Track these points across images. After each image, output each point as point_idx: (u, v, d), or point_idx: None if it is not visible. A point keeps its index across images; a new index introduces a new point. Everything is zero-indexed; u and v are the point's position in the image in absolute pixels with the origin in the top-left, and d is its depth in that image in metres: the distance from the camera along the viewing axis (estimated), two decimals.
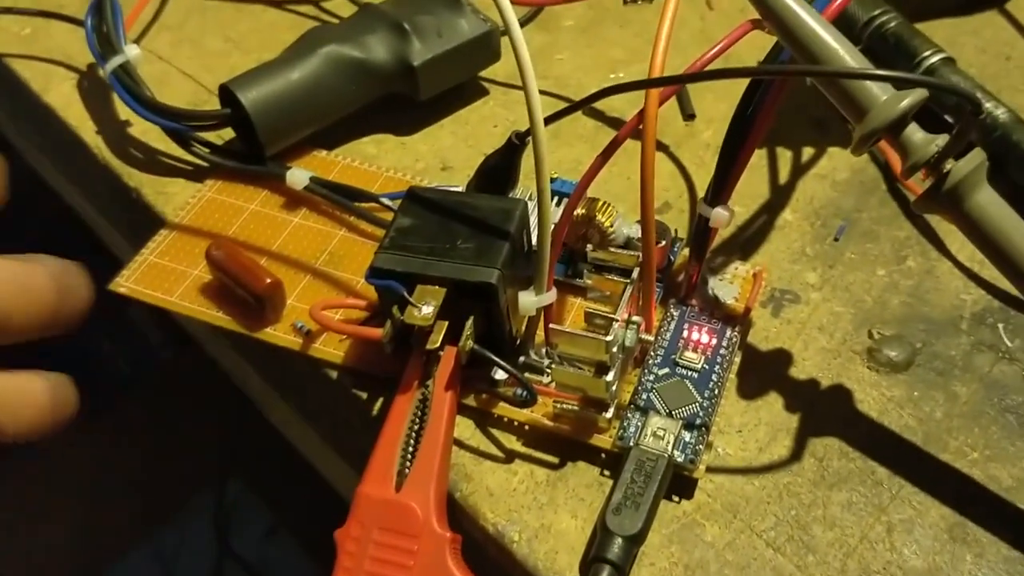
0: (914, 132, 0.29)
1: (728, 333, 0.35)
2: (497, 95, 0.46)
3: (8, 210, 0.91)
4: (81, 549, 0.93)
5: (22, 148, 0.68)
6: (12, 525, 0.90)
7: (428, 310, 0.31)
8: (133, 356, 1.02)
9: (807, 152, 0.43)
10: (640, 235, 0.36)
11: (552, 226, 0.32)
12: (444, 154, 0.44)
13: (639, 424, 0.33)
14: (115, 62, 0.42)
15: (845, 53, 0.29)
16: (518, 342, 0.35)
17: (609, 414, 0.33)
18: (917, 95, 0.29)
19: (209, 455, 0.97)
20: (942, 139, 0.29)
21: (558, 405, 0.33)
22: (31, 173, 0.76)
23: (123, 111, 0.45)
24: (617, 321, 0.31)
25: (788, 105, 0.42)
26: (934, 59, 0.42)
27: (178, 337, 0.97)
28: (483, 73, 0.46)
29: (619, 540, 0.29)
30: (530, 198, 0.37)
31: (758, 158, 0.42)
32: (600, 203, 0.36)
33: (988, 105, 0.40)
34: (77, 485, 0.93)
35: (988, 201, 0.29)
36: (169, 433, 0.95)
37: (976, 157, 0.29)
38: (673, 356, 0.34)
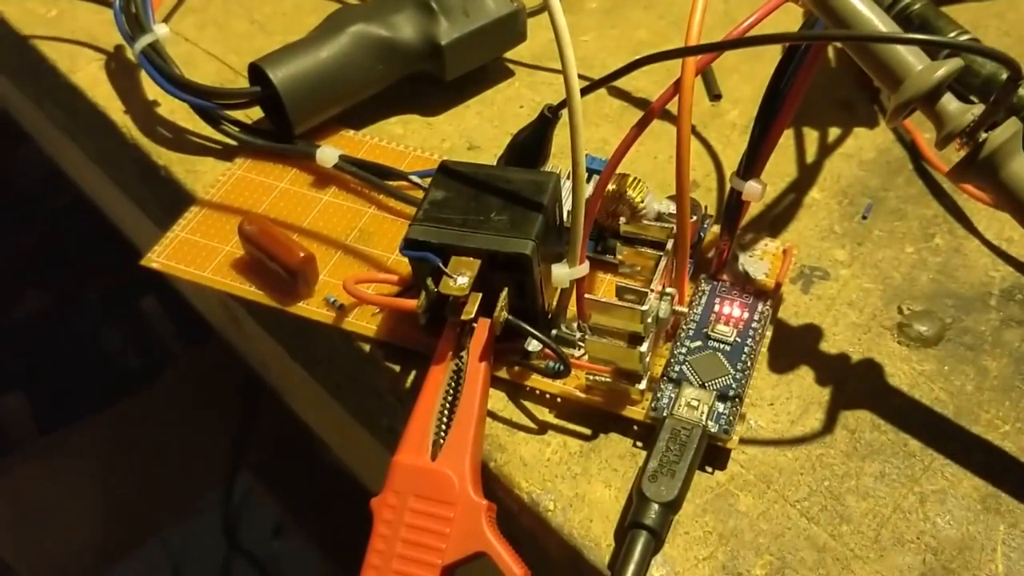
0: (949, 102, 0.29)
1: (760, 307, 0.35)
2: (523, 76, 0.46)
3: (21, 199, 0.91)
4: (91, 545, 0.93)
5: (42, 135, 0.69)
6: (24, 520, 0.90)
7: (463, 280, 0.32)
8: (144, 350, 1.02)
9: (833, 133, 0.43)
10: (670, 210, 0.36)
11: (586, 198, 0.32)
12: (470, 134, 0.44)
13: (672, 395, 0.33)
14: (144, 41, 0.42)
15: (880, 22, 0.29)
16: (550, 316, 0.35)
17: (642, 386, 0.33)
18: (953, 64, 0.29)
19: (219, 450, 0.98)
20: (978, 108, 0.29)
21: (590, 377, 0.33)
22: (44, 168, 0.76)
23: (150, 90, 0.45)
24: (651, 292, 0.31)
25: (814, 86, 0.42)
26: (960, 40, 0.42)
27: (189, 332, 0.97)
28: (508, 54, 0.46)
29: (656, 506, 0.30)
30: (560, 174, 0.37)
31: (785, 139, 0.42)
32: (631, 179, 0.36)
33: None
34: (87, 480, 0.93)
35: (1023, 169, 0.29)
36: (179, 428, 0.96)
37: (1011, 126, 0.29)
38: (705, 329, 0.35)
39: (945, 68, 0.29)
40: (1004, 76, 0.30)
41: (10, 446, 0.95)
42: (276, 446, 0.99)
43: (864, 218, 0.40)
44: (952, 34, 0.42)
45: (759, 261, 0.37)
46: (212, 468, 0.98)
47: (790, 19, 0.41)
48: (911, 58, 0.29)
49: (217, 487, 0.98)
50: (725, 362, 0.34)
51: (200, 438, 0.97)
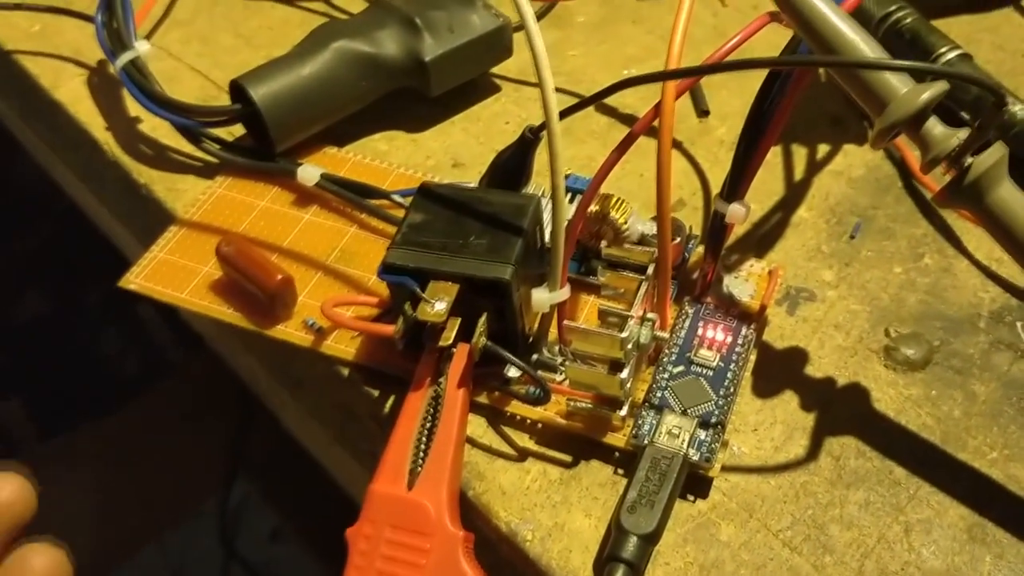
0: (935, 125, 0.29)
1: (744, 331, 0.35)
2: (509, 91, 0.46)
3: (18, 209, 0.91)
4: (88, 550, 0.92)
5: (32, 147, 0.68)
6: None
7: (441, 306, 0.31)
8: (141, 357, 1.02)
9: (822, 149, 0.43)
10: (654, 232, 0.36)
11: (567, 221, 0.31)
12: (455, 151, 0.43)
13: (654, 422, 0.32)
14: (125, 58, 0.42)
15: (864, 45, 0.29)
16: (531, 340, 0.34)
17: (623, 412, 0.32)
18: (938, 88, 0.28)
19: (216, 457, 0.98)
20: (963, 132, 0.28)
21: (571, 403, 0.33)
22: (41, 173, 0.76)
23: (133, 107, 0.45)
24: (632, 318, 0.31)
25: (804, 102, 0.42)
26: (951, 55, 0.41)
27: (187, 338, 0.97)
28: (495, 69, 0.46)
29: (634, 539, 0.29)
30: (543, 195, 0.36)
31: (773, 155, 0.42)
32: (614, 199, 0.36)
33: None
34: (85, 486, 0.93)
35: (1010, 195, 0.28)
36: (177, 434, 0.95)
37: (997, 151, 0.28)
38: (688, 354, 0.34)
39: (930, 92, 0.28)
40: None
41: (9, 451, 0.95)
42: (273, 453, 0.98)
43: (852, 237, 0.39)
44: (944, 49, 0.42)
45: (744, 283, 0.36)
46: (210, 474, 0.98)
47: (779, 36, 0.40)
48: (895, 81, 0.28)
49: (214, 493, 0.98)
50: (708, 388, 0.33)
51: (198, 443, 0.97)
